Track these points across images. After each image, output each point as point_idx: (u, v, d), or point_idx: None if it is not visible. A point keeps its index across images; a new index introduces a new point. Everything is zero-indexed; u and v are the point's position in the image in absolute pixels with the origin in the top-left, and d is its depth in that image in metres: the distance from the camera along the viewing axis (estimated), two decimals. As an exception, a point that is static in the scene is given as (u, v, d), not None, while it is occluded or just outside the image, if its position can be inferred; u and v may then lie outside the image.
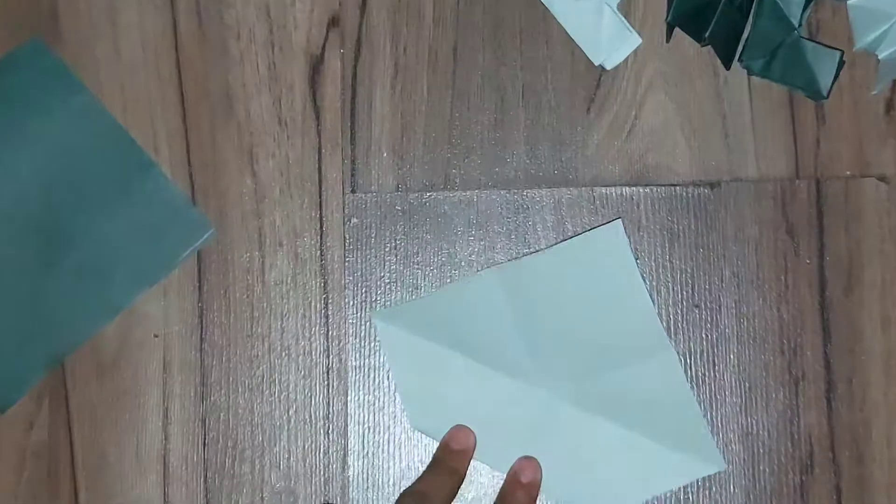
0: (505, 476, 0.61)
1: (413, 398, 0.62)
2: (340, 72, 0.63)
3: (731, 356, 0.62)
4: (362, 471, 0.62)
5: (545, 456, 0.61)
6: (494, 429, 0.61)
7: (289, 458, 0.62)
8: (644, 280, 0.61)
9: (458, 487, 0.60)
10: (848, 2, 0.62)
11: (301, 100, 0.63)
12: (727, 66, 0.62)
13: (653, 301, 0.62)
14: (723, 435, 0.61)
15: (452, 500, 0.59)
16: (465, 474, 0.60)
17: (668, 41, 0.63)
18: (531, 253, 0.62)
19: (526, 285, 0.61)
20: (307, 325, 0.63)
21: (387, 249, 0.63)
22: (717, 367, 0.62)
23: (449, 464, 0.60)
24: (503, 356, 0.61)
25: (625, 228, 0.61)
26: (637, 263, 0.61)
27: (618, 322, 0.60)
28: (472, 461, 0.61)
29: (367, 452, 0.62)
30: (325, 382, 0.63)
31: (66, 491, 0.62)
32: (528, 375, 0.61)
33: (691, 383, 0.62)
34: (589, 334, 0.60)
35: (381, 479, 0.62)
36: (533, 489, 0.60)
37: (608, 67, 0.63)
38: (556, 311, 0.61)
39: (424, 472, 0.60)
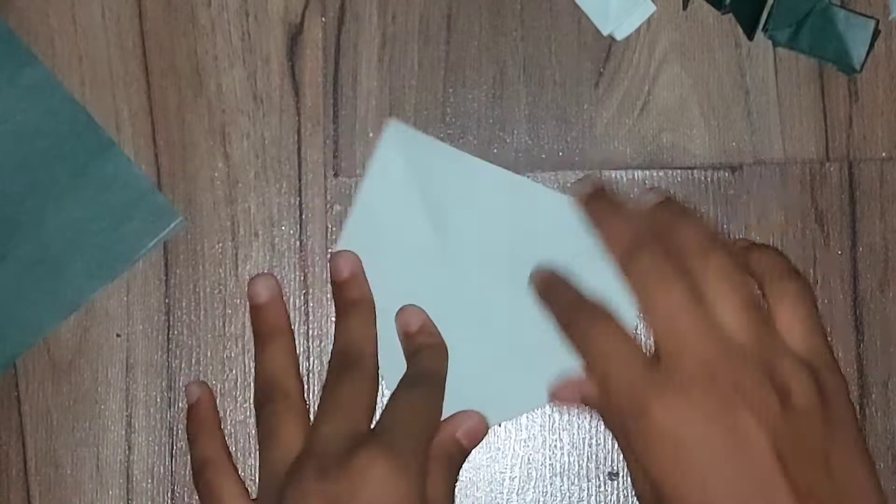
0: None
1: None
2: (322, 42, 0.60)
3: (755, 357, 0.59)
4: (346, 484, 0.58)
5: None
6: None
7: (265, 471, 0.59)
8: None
9: (374, 314, 0.58)
10: (884, -35, 0.59)
11: (278, 74, 0.60)
12: (750, 36, 0.59)
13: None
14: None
15: (376, 331, 0.58)
16: (370, 295, 0.59)
17: (684, 9, 0.60)
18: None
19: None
20: (285, 323, 0.60)
21: (373, 240, 0.60)
22: (738, 370, 0.59)
23: (350, 299, 0.58)
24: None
25: None
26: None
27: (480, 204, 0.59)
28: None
29: (352, 464, 0.58)
30: (305, 387, 0.59)
31: (17, 505, 0.60)
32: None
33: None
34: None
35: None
36: (428, 328, 0.58)
37: (618, 38, 0.60)
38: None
39: (337, 323, 0.59)
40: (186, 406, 0.59)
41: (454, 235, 0.59)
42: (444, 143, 0.59)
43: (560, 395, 0.56)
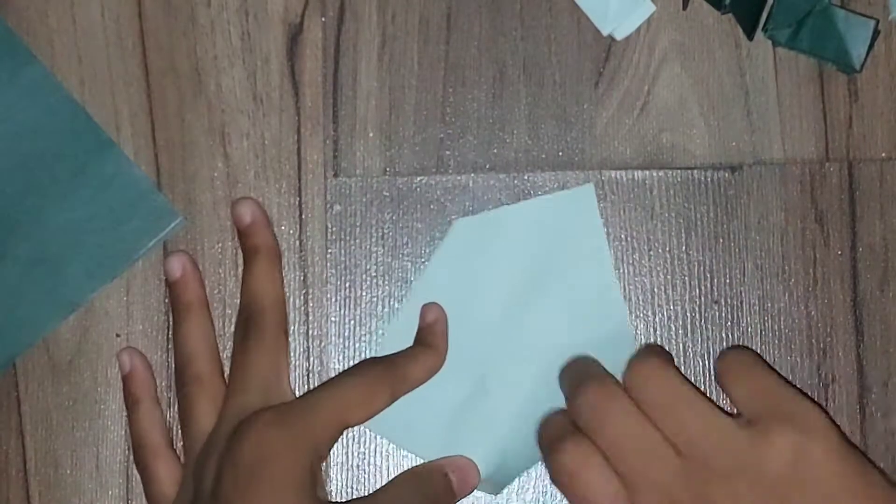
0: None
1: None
2: (322, 42, 0.60)
3: (755, 357, 0.59)
4: (346, 484, 0.59)
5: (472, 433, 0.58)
6: (423, 410, 0.58)
7: (264, 471, 0.58)
8: (611, 254, 0.59)
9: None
10: (883, -35, 0.59)
11: (278, 73, 0.60)
12: (750, 36, 0.59)
13: (666, 296, 0.59)
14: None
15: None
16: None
17: (684, 9, 0.60)
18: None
19: (487, 240, 0.59)
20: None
21: (373, 240, 0.60)
22: (738, 370, 0.59)
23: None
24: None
25: (596, 195, 0.59)
26: (607, 237, 0.59)
27: (575, 298, 0.59)
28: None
29: (352, 464, 0.59)
30: (305, 387, 0.59)
31: (17, 505, 0.59)
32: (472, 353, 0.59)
33: (712, 387, 0.59)
34: (541, 308, 0.59)
35: (365, 494, 0.58)
36: (438, 328, 0.58)
37: (618, 38, 0.60)
38: (512, 275, 0.59)
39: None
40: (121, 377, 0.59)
41: (531, 305, 0.59)
42: (604, 235, 0.59)
43: None
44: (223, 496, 0.52)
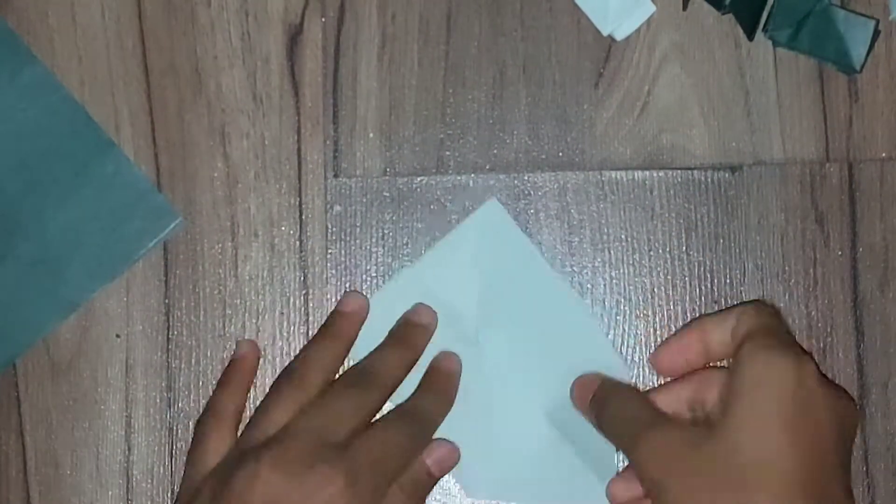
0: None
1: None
2: (322, 42, 0.60)
3: (755, 358, 0.59)
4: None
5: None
6: None
7: (264, 471, 0.58)
8: (542, 252, 0.59)
9: (412, 364, 0.58)
10: (884, -34, 0.59)
11: (278, 73, 0.60)
12: (750, 36, 0.59)
13: (667, 296, 0.59)
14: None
15: (404, 377, 0.57)
16: (422, 352, 0.58)
17: (684, 9, 0.60)
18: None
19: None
20: (285, 323, 0.60)
21: (373, 240, 0.60)
22: (738, 370, 0.58)
23: (406, 338, 0.58)
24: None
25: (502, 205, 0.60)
26: (528, 236, 0.59)
27: (529, 307, 0.59)
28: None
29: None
30: None
31: (17, 505, 0.59)
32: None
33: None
34: (502, 327, 0.59)
35: None
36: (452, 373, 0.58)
37: (618, 38, 0.60)
38: (464, 311, 0.59)
39: (377, 347, 0.58)
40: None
41: (493, 328, 0.59)
42: (526, 237, 0.59)
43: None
44: None
